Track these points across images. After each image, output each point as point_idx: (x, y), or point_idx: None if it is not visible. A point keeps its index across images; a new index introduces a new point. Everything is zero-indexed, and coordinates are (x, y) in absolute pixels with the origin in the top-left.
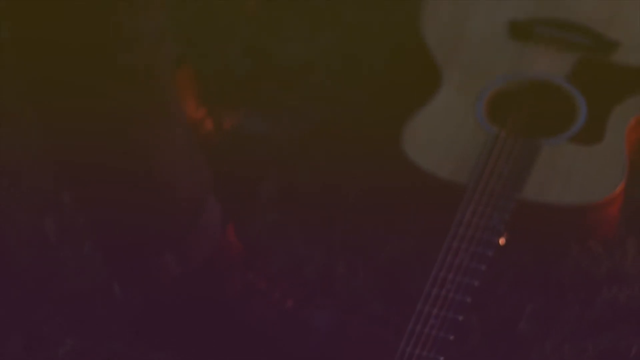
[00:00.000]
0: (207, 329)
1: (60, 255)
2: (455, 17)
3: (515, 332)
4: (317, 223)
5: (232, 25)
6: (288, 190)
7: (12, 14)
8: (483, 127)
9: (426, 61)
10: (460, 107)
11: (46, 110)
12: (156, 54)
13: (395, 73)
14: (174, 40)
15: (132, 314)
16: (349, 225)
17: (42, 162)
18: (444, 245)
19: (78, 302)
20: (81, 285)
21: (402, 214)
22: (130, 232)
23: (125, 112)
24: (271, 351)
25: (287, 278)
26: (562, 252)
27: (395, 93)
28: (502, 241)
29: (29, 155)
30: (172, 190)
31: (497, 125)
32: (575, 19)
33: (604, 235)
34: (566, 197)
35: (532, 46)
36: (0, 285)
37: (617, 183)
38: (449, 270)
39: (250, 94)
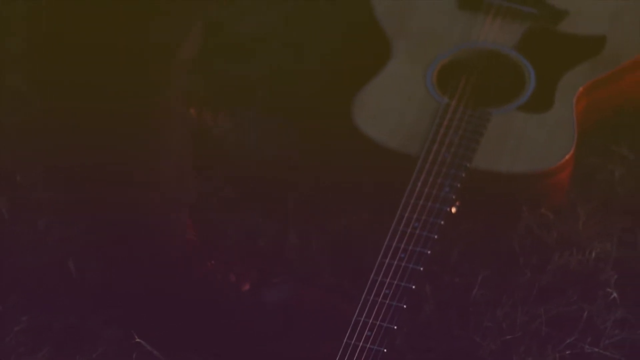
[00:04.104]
0: (163, 307)
1: (14, 232)
2: None
3: (468, 300)
4: (271, 196)
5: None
6: (242, 164)
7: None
8: (433, 97)
9: (376, 33)
10: (410, 78)
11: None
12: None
13: (346, 46)
14: None
15: (88, 290)
16: (301, 198)
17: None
18: (396, 216)
19: (33, 280)
20: (36, 263)
21: (354, 185)
22: (103, 220)
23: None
24: (225, 325)
25: (242, 255)
26: (514, 219)
27: (346, 66)
28: (453, 210)
29: None
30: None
31: (447, 95)
32: None
33: (554, 201)
34: (516, 166)
35: (481, 16)
36: None
37: (566, 150)
38: (402, 240)
39: (205, 69)
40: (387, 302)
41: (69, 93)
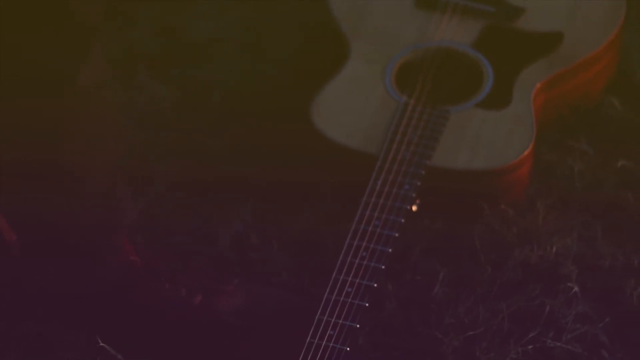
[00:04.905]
0: (124, 315)
1: None
2: None
3: (430, 297)
4: (229, 198)
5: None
6: (199, 165)
7: None
8: (392, 96)
9: (334, 34)
10: (368, 78)
11: None
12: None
13: (304, 47)
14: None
15: (49, 296)
16: (261, 198)
17: None
18: (357, 214)
19: None
20: None
21: (315, 184)
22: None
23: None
24: (184, 333)
25: (196, 262)
26: (474, 216)
27: (304, 67)
28: (414, 208)
29: None
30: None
31: (405, 94)
32: None
33: (514, 198)
34: (475, 162)
35: (438, 15)
36: None
37: (525, 146)
38: (363, 239)
39: (162, 71)
40: (350, 300)
41: None
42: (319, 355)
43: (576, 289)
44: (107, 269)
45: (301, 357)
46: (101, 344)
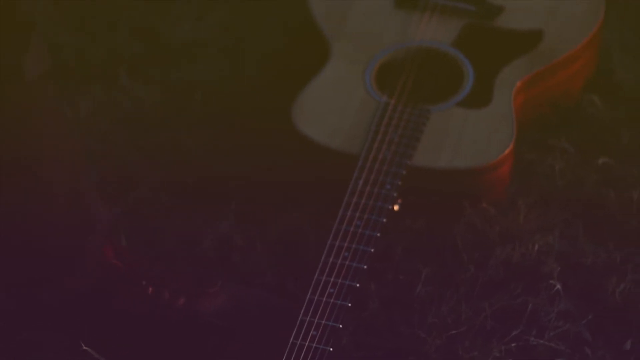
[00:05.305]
0: (107, 319)
1: None
2: None
3: (413, 296)
4: (212, 199)
5: (120, 8)
6: (182, 166)
7: None
8: (373, 96)
9: (314, 34)
10: (349, 78)
11: None
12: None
13: (285, 48)
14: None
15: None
16: (243, 199)
17: None
18: (338, 215)
19: None
20: None
21: (296, 185)
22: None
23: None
24: (167, 337)
25: (179, 265)
26: (456, 215)
27: (285, 68)
28: (396, 208)
29: None
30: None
31: (386, 94)
32: None
33: (495, 196)
34: (457, 161)
35: (418, 14)
36: None
37: (506, 145)
38: (345, 239)
39: (140, 74)
40: (332, 300)
41: None
42: (302, 356)
43: (558, 286)
44: (88, 273)
45: (284, 357)
46: (84, 348)
